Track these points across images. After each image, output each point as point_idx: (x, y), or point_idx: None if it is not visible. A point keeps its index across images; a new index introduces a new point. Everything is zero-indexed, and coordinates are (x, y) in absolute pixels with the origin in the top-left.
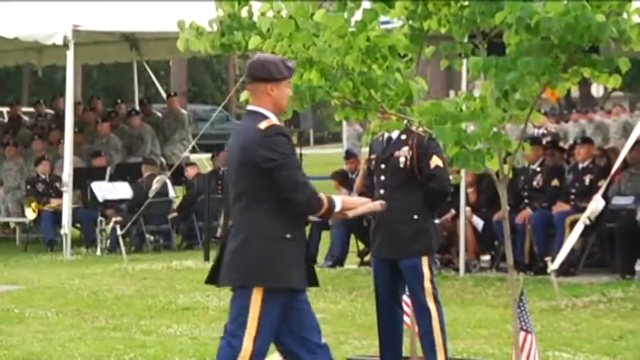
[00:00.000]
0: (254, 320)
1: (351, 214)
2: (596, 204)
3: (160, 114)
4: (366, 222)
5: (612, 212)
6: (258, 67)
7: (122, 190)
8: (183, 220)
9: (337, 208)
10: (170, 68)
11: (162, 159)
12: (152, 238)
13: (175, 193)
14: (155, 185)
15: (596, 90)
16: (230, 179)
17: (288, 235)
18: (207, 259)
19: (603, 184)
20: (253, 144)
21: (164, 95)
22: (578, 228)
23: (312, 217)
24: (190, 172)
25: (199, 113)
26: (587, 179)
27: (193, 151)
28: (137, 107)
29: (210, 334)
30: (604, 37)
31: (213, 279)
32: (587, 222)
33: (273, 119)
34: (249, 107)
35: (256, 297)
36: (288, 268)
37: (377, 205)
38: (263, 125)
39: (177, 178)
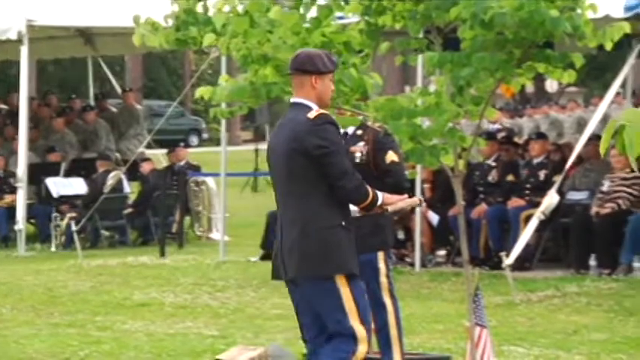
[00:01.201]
0: (351, 303)
1: (391, 208)
2: (551, 199)
3: (115, 109)
4: None
5: (567, 207)
6: (305, 59)
7: (77, 186)
8: (139, 215)
9: (379, 202)
10: (125, 63)
11: (118, 154)
12: (107, 233)
13: (130, 189)
14: (110, 181)
15: (551, 85)
16: (278, 171)
17: (344, 223)
18: (162, 254)
19: (558, 180)
20: (303, 132)
21: (119, 91)
22: (533, 223)
23: (353, 209)
24: (146, 168)
25: (155, 109)
26: (541, 174)
27: (149, 146)
28: (92, 103)
29: (165, 330)
30: (558, 33)
31: (278, 273)
32: (542, 217)
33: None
34: (294, 99)
35: (342, 283)
36: (351, 254)
37: (415, 200)
38: (312, 114)
39: (133, 173)
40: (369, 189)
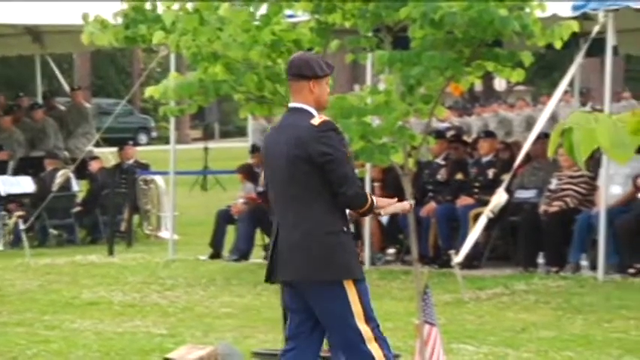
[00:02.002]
0: (357, 306)
1: (383, 212)
2: (499, 197)
3: (63, 107)
4: (272, 215)
5: (515, 205)
6: (302, 64)
7: (25, 185)
8: (87, 214)
9: (374, 207)
10: (74, 61)
11: (66, 153)
12: (55, 232)
13: (79, 187)
14: (58, 179)
15: (499, 84)
16: (277, 175)
17: (345, 229)
18: (111, 253)
19: (506, 178)
20: (307, 139)
21: (67, 89)
22: (482, 221)
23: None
24: (94, 166)
25: (103, 107)
26: (490, 173)
27: (97, 145)
28: (40, 101)
29: (114, 329)
30: (507, 32)
31: (272, 275)
32: (491, 215)
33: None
34: (292, 104)
35: (349, 287)
36: (356, 258)
37: (406, 204)
38: (316, 121)
39: (81, 172)
40: (368, 194)
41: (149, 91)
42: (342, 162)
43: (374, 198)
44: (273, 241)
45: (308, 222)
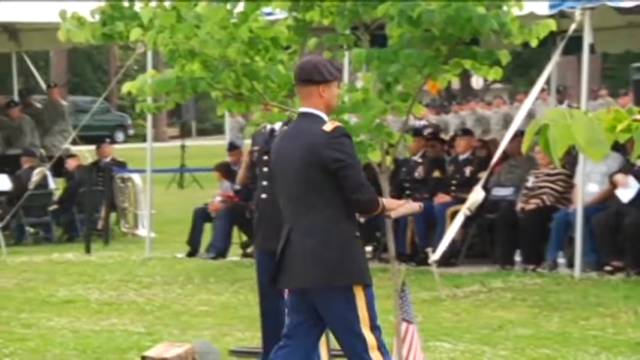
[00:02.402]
0: (364, 312)
1: (393, 214)
2: (477, 195)
3: (39, 105)
4: (249, 214)
5: (492, 203)
6: (311, 69)
7: (1, 182)
8: (64, 212)
9: (384, 209)
10: (50, 59)
11: (42, 151)
12: (32, 230)
13: (56, 185)
14: (35, 177)
15: (476, 82)
16: (288, 180)
17: (357, 234)
18: (88, 251)
19: (483, 176)
20: (320, 145)
21: (44, 86)
22: (459, 219)
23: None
24: (71, 164)
25: (80, 104)
26: (467, 170)
27: (74, 142)
28: (16, 98)
29: (91, 327)
30: (484, 30)
31: (279, 280)
32: (468, 213)
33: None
34: (302, 109)
35: (359, 293)
36: (367, 264)
37: (415, 206)
38: (328, 127)
39: (58, 169)
40: (379, 198)
41: (126, 86)
42: (356, 168)
43: (383, 200)
44: (282, 247)
45: (324, 228)
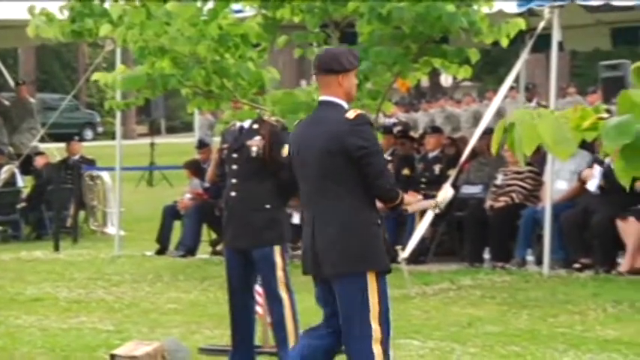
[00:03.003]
0: (375, 303)
1: (410, 209)
2: (446, 193)
3: (7, 103)
4: (218, 211)
5: (461, 201)
6: (330, 59)
7: None
8: (32, 210)
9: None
10: (18, 56)
11: (11, 148)
12: (0, 228)
13: (24, 183)
14: (3, 175)
15: (445, 80)
16: (309, 169)
17: (379, 221)
18: (56, 249)
19: (452, 173)
20: (344, 133)
21: (12, 84)
22: (428, 217)
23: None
24: (39, 162)
25: (48, 102)
26: (436, 168)
27: (42, 140)
28: None
29: (60, 325)
30: (454, 28)
31: (307, 269)
32: (437, 211)
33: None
34: (323, 98)
35: (371, 281)
36: (384, 251)
37: (432, 202)
38: (351, 114)
39: (26, 167)
40: (398, 187)
41: (96, 75)
42: (379, 155)
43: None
44: (311, 235)
45: (345, 216)
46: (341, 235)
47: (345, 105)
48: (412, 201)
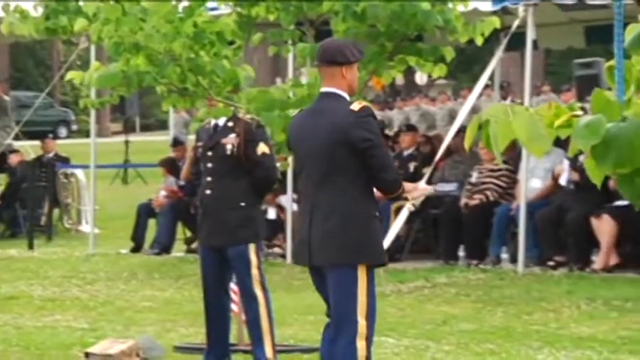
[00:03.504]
0: (364, 297)
1: (410, 196)
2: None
3: None
4: (193, 209)
5: (436, 199)
6: (335, 51)
7: None
8: (7, 208)
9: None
10: None
11: None
12: None
13: None
14: None
15: (420, 78)
16: (312, 159)
17: (377, 214)
18: (31, 247)
19: (427, 171)
20: (348, 125)
21: None
22: (403, 214)
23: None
24: (13, 160)
25: (22, 100)
26: (411, 166)
27: (16, 138)
28: None
29: (34, 324)
30: (429, 26)
31: (299, 258)
32: (412, 208)
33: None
34: (325, 89)
35: (362, 274)
36: (381, 244)
37: (430, 188)
38: (356, 107)
39: (0, 165)
40: (401, 179)
41: (71, 74)
42: (382, 147)
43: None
44: (308, 225)
45: (346, 207)
46: (341, 227)
47: (347, 97)
48: (411, 188)
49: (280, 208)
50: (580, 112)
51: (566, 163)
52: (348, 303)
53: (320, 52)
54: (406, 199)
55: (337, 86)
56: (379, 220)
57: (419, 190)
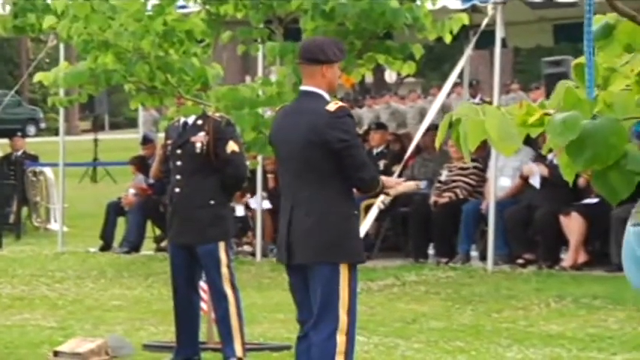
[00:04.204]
0: (346, 294)
1: (392, 192)
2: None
3: None
4: (163, 207)
5: (406, 197)
6: (315, 49)
7: None
8: None
9: (383, 187)
10: None
11: None
12: None
13: None
14: None
15: (390, 76)
16: (290, 158)
17: (355, 212)
18: None
19: (397, 169)
20: (324, 125)
21: None
22: (373, 212)
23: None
24: None
25: None
26: (381, 164)
27: None
28: None
29: (2, 322)
30: (398, 24)
31: (284, 258)
32: (382, 206)
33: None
34: (304, 88)
35: (344, 272)
36: (360, 243)
37: (413, 184)
38: (332, 107)
39: None
40: (379, 176)
41: (39, 76)
42: (359, 147)
43: (382, 178)
44: (287, 224)
45: (322, 206)
46: (318, 225)
47: (326, 96)
48: (393, 184)
49: (247, 207)
50: (552, 111)
51: (534, 165)
52: (330, 300)
53: (302, 49)
54: (387, 194)
55: (317, 85)
56: (357, 218)
57: (403, 185)
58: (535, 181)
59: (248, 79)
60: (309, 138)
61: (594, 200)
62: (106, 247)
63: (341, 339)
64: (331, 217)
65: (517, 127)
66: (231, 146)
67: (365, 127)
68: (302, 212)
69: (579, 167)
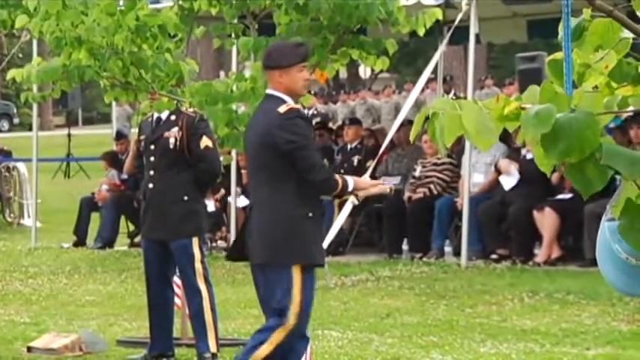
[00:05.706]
0: (297, 296)
1: (362, 194)
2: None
3: None
4: (137, 203)
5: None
6: (272, 54)
7: None
8: None
9: (350, 188)
10: None
11: None
12: None
13: None
14: None
15: (364, 71)
16: (250, 160)
17: (310, 214)
18: None
19: (371, 164)
20: (273, 127)
21: None
22: (347, 208)
23: (324, 197)
24: None
25: None
26: (355, 159)
27: None
28: None
29: None
30: (372, 19)
31: (236, 255)
32: (356, 202)
33: (291, 102)
34: (268, 91)
35: (296, 274)
36: (315, 245)
37: (386, 188)
38: (282, 109)
39: None
40: (338, 178)
41: (11, 73)
42: (308, 149)
43: (350, 180)
44: (245, 223)
45: (274, 207)
46: (269, 226)
47: (286, 99)
48: (365, 186)
49: (219, 202)
50: (528, 105)
51: (513, 169)
52: (281, 301)
53: (263, 55)
54: (356, 195)
55: (275, 89)
56: (315, 220)
57: (377, 188)
58: (506, 183)
59: (222, 74)
60: (260, 140)
61: (568, 196)
62: (79, 242)
63: (279, 334)
64: (281, 218)
65: (494, 120)
66: (205, 142)
67: (339, 123)
68: (257, 212)
69: (554, 159)
